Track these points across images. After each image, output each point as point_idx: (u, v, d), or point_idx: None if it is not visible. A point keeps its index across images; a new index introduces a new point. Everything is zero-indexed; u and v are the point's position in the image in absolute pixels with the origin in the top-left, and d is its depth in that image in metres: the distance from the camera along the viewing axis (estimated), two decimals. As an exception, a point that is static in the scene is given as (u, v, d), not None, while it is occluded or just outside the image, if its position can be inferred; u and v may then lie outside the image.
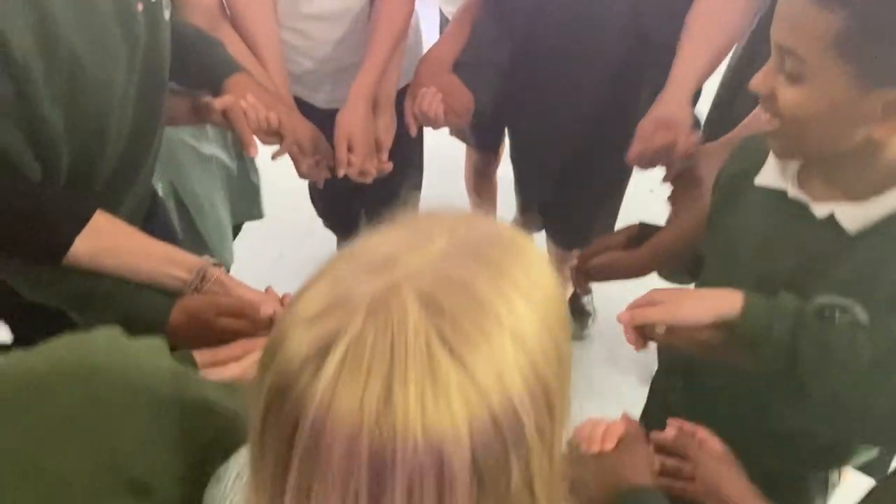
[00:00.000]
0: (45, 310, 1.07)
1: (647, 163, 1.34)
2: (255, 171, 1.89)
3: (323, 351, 0.44)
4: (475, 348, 0.44)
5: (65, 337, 0.65)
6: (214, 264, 1.05)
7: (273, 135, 1.36)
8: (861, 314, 0.85)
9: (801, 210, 0.91)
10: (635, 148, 1.32)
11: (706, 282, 1.06)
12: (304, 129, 1.41)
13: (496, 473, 0.44)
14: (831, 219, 0.88)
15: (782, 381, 0.88)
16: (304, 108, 1.57)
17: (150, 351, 0.69)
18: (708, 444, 0.90)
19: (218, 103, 1.26)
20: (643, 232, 1.24)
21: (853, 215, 0.86)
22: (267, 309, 1.00)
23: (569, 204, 1.87)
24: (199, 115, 1.34)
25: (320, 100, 1.68)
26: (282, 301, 1.04)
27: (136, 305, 1.01)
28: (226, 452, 0.66)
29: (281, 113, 1.34)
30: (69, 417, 0.61)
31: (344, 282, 0.46)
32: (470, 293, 0.45)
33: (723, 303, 0.89)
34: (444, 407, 0.42)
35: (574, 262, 1.30)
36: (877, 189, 0.86)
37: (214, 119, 1.31)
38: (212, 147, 1.71)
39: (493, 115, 1.68)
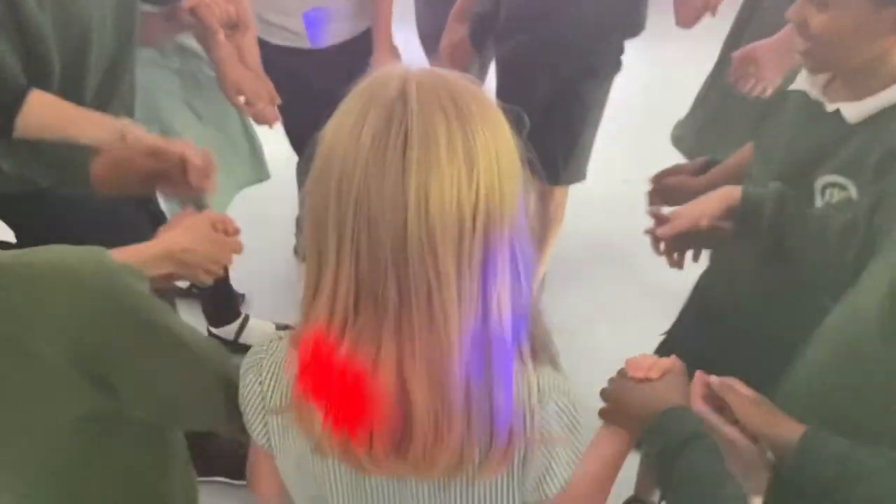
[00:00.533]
0: (44, 216, 1.33)
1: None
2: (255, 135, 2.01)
3: (400, 99, 0.64)
4: (488, 98, 0.69)
5: (59, 245, 0.79)
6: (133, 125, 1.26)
7: (234, 26, 1.58)
8: (853, 190, 1.10)
9: (818, 108, 1.19)
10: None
11: (752, 178, 1.32)
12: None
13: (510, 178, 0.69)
14: (837, 112, 1.14)
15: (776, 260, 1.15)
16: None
17: (129, 271, 0.82)
18: (742, 390, 0.99)
19: (186, 3, 1.48)
20: (708, 163, 1.51)
21: (854, 109, 1.13)
22: (186, 152, 1.19)
23: (553, 135, 2.05)
24: (172, 23, 1.57)
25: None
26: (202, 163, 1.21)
27: (66, 162, 1.23)
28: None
29: (239, 4, 1.57)
30: (39, 300, 0.73)
31: (372, 80, 0.68)
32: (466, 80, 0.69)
33: (727, 194, 1.19)
34: (493, 118, 0.67)
35: (650, 186, 1.53)
36: (874, 89, 1.11)
37: (185, 20, 1.53)
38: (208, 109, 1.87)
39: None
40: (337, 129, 0.67)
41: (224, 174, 1.85)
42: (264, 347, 0.82)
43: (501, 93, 2.07)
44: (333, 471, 0.80)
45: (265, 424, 0.83)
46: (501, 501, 0.79)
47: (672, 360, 1.02)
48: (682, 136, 2.14)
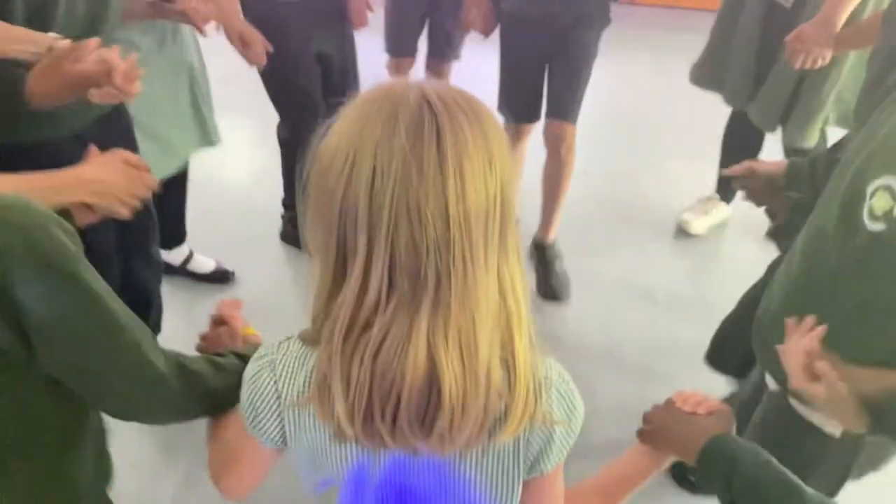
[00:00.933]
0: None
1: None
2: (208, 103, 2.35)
3: (392, 118, 0.72)
4: (474, 115, 0.75)
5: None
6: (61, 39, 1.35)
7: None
8: None
9: None
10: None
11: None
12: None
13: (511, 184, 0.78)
14: None
15: None
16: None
17: (59, 223, 0.83)
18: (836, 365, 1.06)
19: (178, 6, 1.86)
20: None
21: None
22: (107, 55, 1.30)
23: (557, 77, 2.57)
24: (156, 12, 1.91)
25: None
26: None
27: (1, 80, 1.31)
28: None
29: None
30: None
31: (377, 89, 0.77)
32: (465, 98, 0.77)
33: (782, 163, 1.62)
34: (485, 147, 0.74)
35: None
36: None
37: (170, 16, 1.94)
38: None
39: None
40: (361, 135, 0.73)
41: (173, 136, 2.23)
42: (272, 349, 0.86)
43: (506, 43, 2.62)
44: (348, 454, 0.86)
45: (280, 421, 0.86)
46: (506, 474, 0.87)
47: (720, 404, 1.11)
48: (699, 75, 2.74)
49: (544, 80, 2.61)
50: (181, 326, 2.23)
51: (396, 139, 0.71)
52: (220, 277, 2.66)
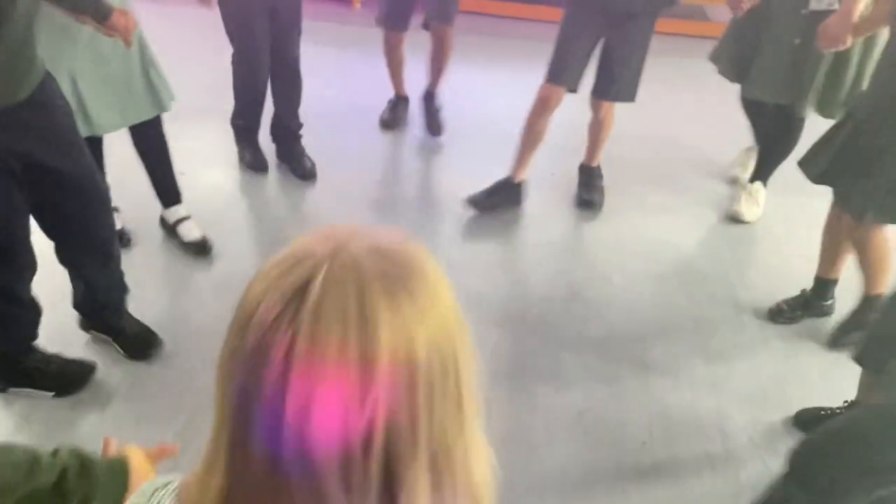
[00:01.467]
0: None
1: None
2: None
3: (300, 292, 0.54)
4: (417, 281, 0.58)
5: None
6: None
7: None
8: None
9: None
10: None
11: None
12: None
13: (442, 378, 0.57)
14: None
15: None
16: None
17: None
18: None
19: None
20: None
21: None
22: None
23: (613, 62, 2.81)
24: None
25: None
26: None
27: None
28: None
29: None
30: None
31: (301, 247, 0.58)
32: (397, 251, 0.59)
33: None
34: (404, 323, 0.55)
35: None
36: None
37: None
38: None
39: None
40: (248, 289, 0.59)
41: (124, 101, 2.39)
42: (143, 498, 0.72)
43: (570, 8, 2.81)
44: None
45: None
46: None
47: None
48: (718, 59, 3.13)
49: (593, 55, 2.84)
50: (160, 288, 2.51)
51: (256, 317, 0.56)
52: (199, 249, 2.77)
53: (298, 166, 3.28)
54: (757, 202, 3.23)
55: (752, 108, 3.17)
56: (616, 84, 2.86)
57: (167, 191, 2.76)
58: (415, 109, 3.75)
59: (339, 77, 4.10)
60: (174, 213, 2.79)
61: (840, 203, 2.34)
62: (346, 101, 3.85)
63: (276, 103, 3.22)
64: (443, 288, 0.60)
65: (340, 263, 0.56)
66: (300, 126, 3.30)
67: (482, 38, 4.55)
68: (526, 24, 4.91)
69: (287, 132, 3.29)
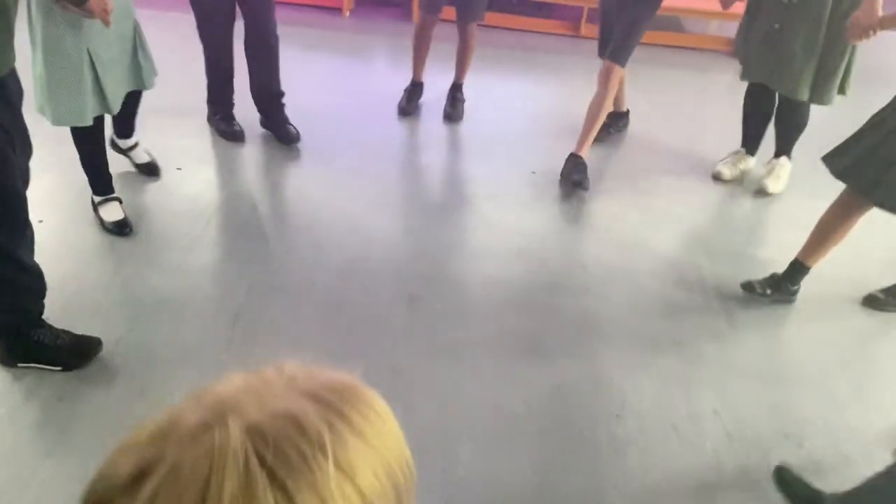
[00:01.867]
0: None
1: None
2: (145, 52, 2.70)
3: (142, 475, 0.44)
4: (298, 474, 0.44)
5: None
6: None
7: None
8: None
9: None
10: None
11: None
12: None
13: None
14: None
15: None
16: None
17: None
18: None
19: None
20: None
21: None
22: None
23: (621, 29, 3.34)
24: None
25: None
26: None
27: None
28: None
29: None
30: None
31: (176, 413, 0.47)
32: (296, 425, 0.46)
33: None
34: None
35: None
36: None
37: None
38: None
39: None
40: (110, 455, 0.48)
41: (117, 73, 2.58)
42: None
43: (601, 8, 3.55)
44: None
45: None
46: None
47: None
48: (738, 48, 3.44)
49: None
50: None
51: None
52: (149, 170, 3.20)
53: (284, 133, 3.47)
54: (779, 176, 3.53)
55: (754, 94, 3.46)
56: (614, 44, 3.38)
57: (126, 125, 3.06)
58: (426, 112, 3.92)
59: (333, 82, 4.23)
60: (127, 142, 3.13)
61: (862, 194, 2.43)
62: (337, 104, 3.98)
63: (256, 71, 3.36)
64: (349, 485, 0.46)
65: (200, 449, 0.44)
66: (282, 93, 3.45)
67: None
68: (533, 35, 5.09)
69: (269, 95, 3.43)
